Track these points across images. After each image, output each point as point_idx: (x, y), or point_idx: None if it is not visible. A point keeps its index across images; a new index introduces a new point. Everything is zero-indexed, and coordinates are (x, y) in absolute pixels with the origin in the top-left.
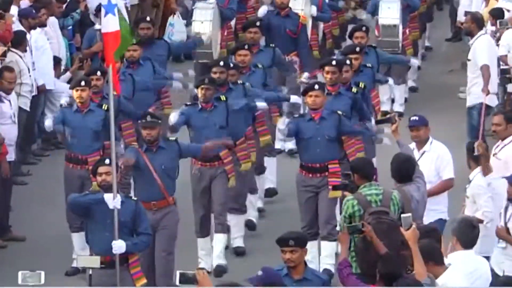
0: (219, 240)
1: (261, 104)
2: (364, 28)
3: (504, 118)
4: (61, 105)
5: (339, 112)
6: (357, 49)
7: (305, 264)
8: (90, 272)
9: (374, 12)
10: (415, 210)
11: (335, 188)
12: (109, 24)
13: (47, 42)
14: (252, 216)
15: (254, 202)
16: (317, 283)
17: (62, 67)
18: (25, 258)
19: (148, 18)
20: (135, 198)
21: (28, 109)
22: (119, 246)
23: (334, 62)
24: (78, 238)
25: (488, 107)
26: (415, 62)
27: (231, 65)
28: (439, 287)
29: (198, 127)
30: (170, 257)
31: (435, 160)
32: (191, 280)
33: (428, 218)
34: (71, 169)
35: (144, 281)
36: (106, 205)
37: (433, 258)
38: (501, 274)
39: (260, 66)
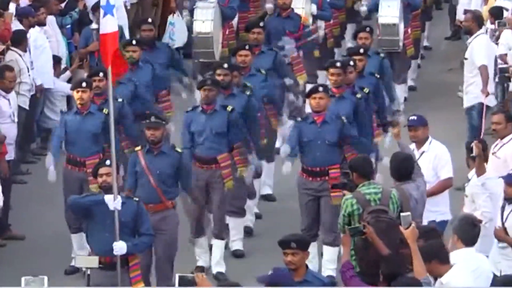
0: (218, 246)
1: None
2: (368, 29)
3: (504, 116)
4: (61, 111)
5: (343, 118)
6: (361, 50)
7: (306, 266)
8: (89, 272)
9: (375, 9)
10: (414, 209)
11: (334, 187)
12: (108, 25)
13: (46, 41)
14: (248, 221)
15: (251, 206)
16: (317, 285)
17: (62, 66)
18: (24, 257)
19: (149, 20)
20: (137, 199)
21: (27, 108)
22: (120, 247)
23: (339, 64)
24: (77, 239)
25: (487, 107)
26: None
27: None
28: (441, 286)
29: (195, 131)
30: (169, 262)
31: (433, 159)
32: (190, 283)
33: (428, 219)
34: (70, 170)
35: (142, 284)
36: (106, 206)
37: (437, 256)
38: (498, 274)
39: (263, 71)
